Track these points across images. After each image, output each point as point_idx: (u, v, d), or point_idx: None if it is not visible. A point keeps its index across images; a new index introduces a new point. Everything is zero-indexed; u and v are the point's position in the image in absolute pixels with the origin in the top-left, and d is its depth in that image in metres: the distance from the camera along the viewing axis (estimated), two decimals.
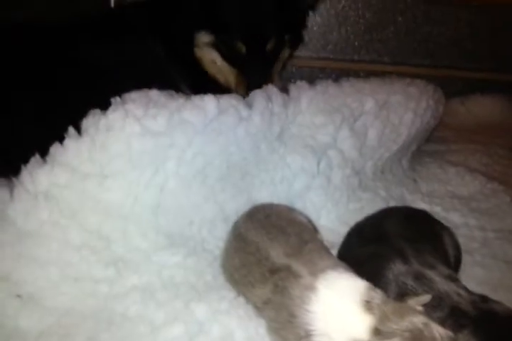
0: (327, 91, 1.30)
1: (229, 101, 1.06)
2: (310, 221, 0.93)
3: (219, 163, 1.01)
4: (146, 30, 1.47)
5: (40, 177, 0.86)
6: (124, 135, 0.90)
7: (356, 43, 2.46)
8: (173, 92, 1.12)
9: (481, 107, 2.27)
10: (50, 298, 0.79)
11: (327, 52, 2.46)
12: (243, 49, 1.39)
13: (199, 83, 1.53)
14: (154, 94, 1.03)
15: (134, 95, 1.00)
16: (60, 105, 1.12)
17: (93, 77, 1.19)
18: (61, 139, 0.91)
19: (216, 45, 1.41)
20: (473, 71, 2.45)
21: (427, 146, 1.70)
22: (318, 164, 1.13)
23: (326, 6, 2.35)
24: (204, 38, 1.41)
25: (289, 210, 0.93)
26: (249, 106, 1.10)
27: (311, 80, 1.71)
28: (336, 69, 2.48)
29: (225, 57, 1.42)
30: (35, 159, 0.89)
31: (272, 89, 1.18)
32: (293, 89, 1.25)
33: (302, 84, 1.29)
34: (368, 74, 2.45)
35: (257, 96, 1.13)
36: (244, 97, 1.21)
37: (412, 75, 2.34)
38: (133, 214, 0.90)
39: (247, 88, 1.36)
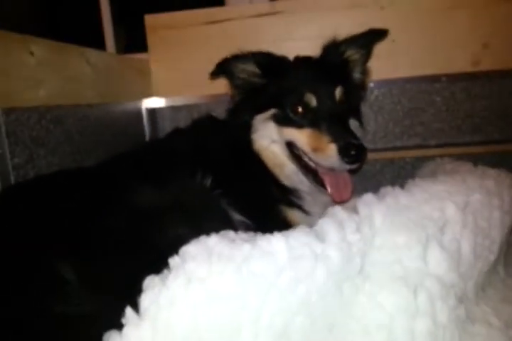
0: (399, 202, 1.14)
1: (299, 238, 0.92)
2: None
3: (301, 318, 0.83)
4: (189, 161, 1.41)
5: None
6: (189, 307, 0.75)
7: (397, 130, 2.36)
8: (232, 233, 0.99)
9: None
10: None
11: (367, 142, 2.34)
12: (313, 100, 1.39)
13: (255, 199, 1.44)
14: (214, 242, 0.89)
15: (192, 249, 0.87)
16: (108, 268, 0.98)
17: (139, 224, 1.06)
18: (114, 319, 0.76)
19: (276, 116, 1.43)
20: None
21: None
22: (416, 299, 0.94)
23: None
24: (264, 114, 1.45)
25: None
26: (321, 238, 0.96)
27: (356, 174, 1.60)
28: (380, 159, 2.36)
29: (289, 122, 1.41)
30: None
31: (340, 214, 1.04)
32: (361, 206, 1.10)
33: (369, 198, 1.14)
34: (415, 161, 2.33)
35: (327, 225, 0.99)
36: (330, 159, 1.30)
37: (462, 156, 2.19)
38: None
39: (334, 141, 1.31)
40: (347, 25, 1.99)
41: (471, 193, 1.22)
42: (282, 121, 1.44)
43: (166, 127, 2.36)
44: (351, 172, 1.47)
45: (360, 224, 1.03)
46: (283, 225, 1.45)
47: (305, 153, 1.42)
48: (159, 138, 1.91)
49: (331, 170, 1.40)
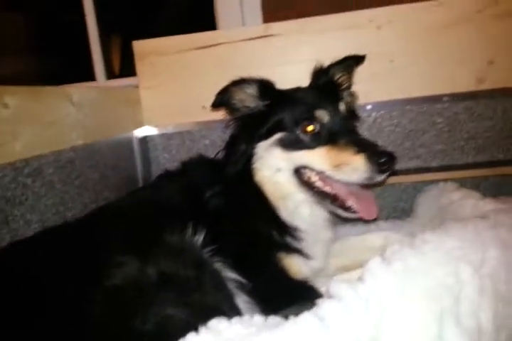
0: (408, 266, 1.04)
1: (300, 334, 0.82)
2: None
3: None
4: (179, 212, 1.32)
5: None
6: None
7: (397, 153, 2.25)
8: (224, 324, 0.90)
9: None
10: None
11: None
12: (325, 116, 1.36)
13: (251, 249, 1.35)
14: None
15: None
16: None
17: (120, 309, 0.95)
18: None
19: (283, 140, 1.37)
20: None
21: None
22: None
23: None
24: (268, 141, 1.38)
25: None
26: (326, 326, 0.86)
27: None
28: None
29: (299, 145, 1.35)
30: None
31: (344, 293, 0.93)
32: (367, 276, 1.00)
33: (375, 264, 1.03)
34: (417, 184, 2.22)
35: (331, 310, 0.89)
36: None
37: (466, 179, 2.10)
38: None
39: (360, 151, 1.26)
40: (342, 47, 1.90)
41: (487, 248, 1.12)
42: (290, 144, 1.36)
43: (158, 156, 2.26)
44: (368, 187, 1.40)
45: (368, 302, 0.93)
46: (281, 278, 1.36)
47: (321, 174, 1.35)
48: (147, 186, 1.80)
49: (353, 187, 1.34)
